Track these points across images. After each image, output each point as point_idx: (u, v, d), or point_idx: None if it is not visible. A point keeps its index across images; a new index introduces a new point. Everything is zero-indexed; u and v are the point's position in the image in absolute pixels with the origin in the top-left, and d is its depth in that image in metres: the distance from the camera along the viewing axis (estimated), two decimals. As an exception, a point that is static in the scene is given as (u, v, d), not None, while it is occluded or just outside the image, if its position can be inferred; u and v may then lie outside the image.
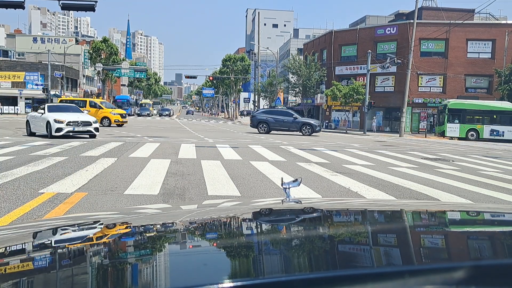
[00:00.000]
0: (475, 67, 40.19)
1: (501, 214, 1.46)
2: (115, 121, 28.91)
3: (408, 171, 10.18)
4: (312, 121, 28.84)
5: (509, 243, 1.09)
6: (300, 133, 27.43)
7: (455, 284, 0.73)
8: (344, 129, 39.52)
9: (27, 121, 17.96)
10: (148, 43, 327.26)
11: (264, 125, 27.85)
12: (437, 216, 1.47)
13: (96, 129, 16.68)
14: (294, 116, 28.10)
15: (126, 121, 30.14)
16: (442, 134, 33.32)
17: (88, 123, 16.42)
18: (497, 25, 41.41)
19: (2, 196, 5.72)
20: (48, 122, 15.92)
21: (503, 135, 31.80)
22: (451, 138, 32.41)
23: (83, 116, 16.92)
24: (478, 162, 13.55)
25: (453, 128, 32.58)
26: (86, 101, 30.73)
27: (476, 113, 32.74)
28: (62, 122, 15.87)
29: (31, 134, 17.21)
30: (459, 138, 32.06)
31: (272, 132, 27.81)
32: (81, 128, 16.22)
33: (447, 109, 32.69)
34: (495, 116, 32.40)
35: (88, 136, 16.54)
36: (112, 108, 31.26)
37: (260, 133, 27.29)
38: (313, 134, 27.65)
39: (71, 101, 29.59)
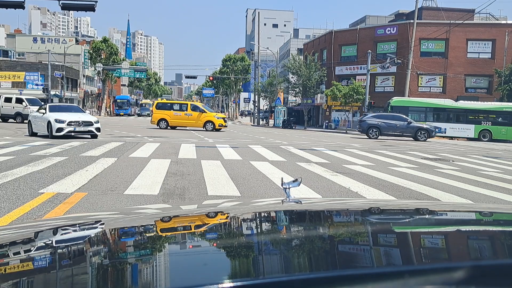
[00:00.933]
0: (475, 67, 40.19)
1: (501, 214, 1.46)
2: (219, 125, 27.42)
3: (408, 171, 10.18)
4: (427, 126, 27.40)
5: (509, 243, 1.09)
6: (413, 139, 26.20)
7: (455, 284, 0.73)
8: (344, 129, 39.52)
9: (29, 121, 17.85)
10: (148, 43, 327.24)
11: (375, 130, 26.68)
12: (437, 216, 1.47)
13: (98, 129, 16.48)
14: (408, 120, 26.77)
15: (227, 126, 28.67)
16: None
17: (89, 123, 16.23)
18: (497, 25, 41.41)
19: (2, 196, 5.72)
20: (49, 122, 15.78)
21: (445, 132, 32.27)
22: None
23: (84, 116, 16.75)
24: (478, 162, 13.55)
25: None
26: (187, 104, 29.28)
27: (418, 110, 33.25)
28: (63, 122, 15.72)
29: (33, 134, 17.11)
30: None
31: (380, 137, 26.78)
32: (82, 128, 16.05)
33: (389, 107, 33.11)
34: (437, 114, 32.98)
35: (89, 136, 16.41)
36: (214, 111, 29.83)
37: (370, 138, 26.31)
38: (428, 139, 26.33)
39: (168, 103, 29.21)
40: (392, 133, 26.94)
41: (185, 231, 1.26)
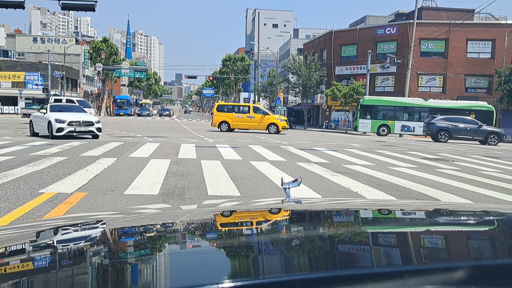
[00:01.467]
0: (475, 67, 40.21)
1: (501, 214, 1.46)
2: (282, 128, 27.15)
3: (408, 171, 10.18)
4: (498, 130, 26.99)
5: (509, 243, 1.09)
6: (482, 143, 25.79)
7: (455, 284, 0.73)
8: (344, 129, 39.53)
9: (30, 121, 17.63)
10: (148, 43, 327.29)
11: (445, 133, 26.10)
12: (437, 216, 1.47)
13: (99, 129, 16.21)
14: (479, 124, 26.23)
15: (288, 127, 28.66)
16: (355, 129, 34.76)
17: (90, 123, 15.97)
18: (497, 25, 41.42)
19: (2, 196, 5.72)
20: (49, 122, 15.57)
21: (413, 131, 32.65)
22: (364, 133, 33.70)
23: (85, 116, 16.49)
24: (478, 162, 13.55)
25: (365, 124, 33.65)
26: (249, 106, 28.87)
27: (388, 109, 33.71)
28: (63, 122, 15.51)
29: (34, 134, 16.89)
30: (379, 134, 33.00)
31: (450, 140, 26.09)
32: (82, 128, 15.80)
33: (359, 106, 33.80)
34: (406, 112, 33.39)
35: (91, 136, 16.21)
36: (276, 114, 29.01)
37: (439, 141, 25.71)
38: (499, 144, 25.87)
39: (229, 105, 28.53)
40: (462, 137, 26.31)
41: (185, 231, 1.26)
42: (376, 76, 41.82)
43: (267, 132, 27.16)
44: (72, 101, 28.59)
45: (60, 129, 15.43)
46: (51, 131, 15.49)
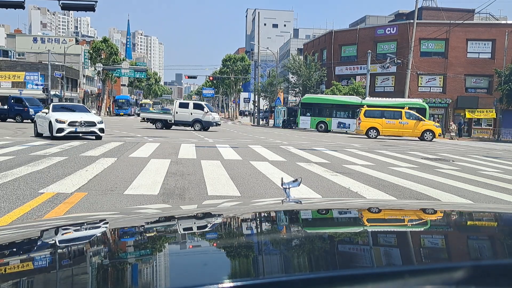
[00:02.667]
0: (475, 67, 40.22)
1: (501, 214, 1.46)
2: (439, 135, 25.85)
3: (408, 171, 10.18)
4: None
5: (509, 243, 1.09)
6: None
7: (455, 284, 0.73)
8: (344, 129, 39.55)
9: (34, 121, 17.27)
10: (148, 43, 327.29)
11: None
12: (437, 216, 1.47)
13: (101, 130, 15.63)
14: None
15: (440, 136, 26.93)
16: (296, 125, 36.65)
17: (92, 124, 15.42)
18: (497, 25, 41.43)
19: (2, 196, 5.72)
20: (50, 123, 15.15)
21: (349, 127, 33.41)
22: (305, 129, 35.16)
23: (86, 116, 15.89)
24: (478, 162, 13.55)
25: (305, 121, 35.13)
26: (401, 111, 26.97)
27: (325, 106, 34.55)
28: (63, 122, 15.03)
29: (38, 135, 16.50)
30: (321, 131, 34.03)
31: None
32: (84, 129, 15.28)
33: (300, 103, 35.03)
34: (343, 110, 34.20)
35: (94, 137, 15.69)
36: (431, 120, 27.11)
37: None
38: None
39: (378, 110, 26.99)
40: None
41: (185, 231, 1.26)
42: (376, 76, 41.83)
43: (420, 139, 25.57)
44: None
45: (60, 130, 15.01)
46: (52, 131, 15.10)
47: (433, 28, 38.75)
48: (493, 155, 17.07)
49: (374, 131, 26.78)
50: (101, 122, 15.75)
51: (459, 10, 43.45)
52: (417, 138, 26.71)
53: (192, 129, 27.22)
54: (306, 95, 37.04)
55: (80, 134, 15.45)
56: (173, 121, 27.68)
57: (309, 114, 34.85)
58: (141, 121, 29.26)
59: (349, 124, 33.57)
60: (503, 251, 1.05)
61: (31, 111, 29.06)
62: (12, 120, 30.53)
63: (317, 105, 34.81)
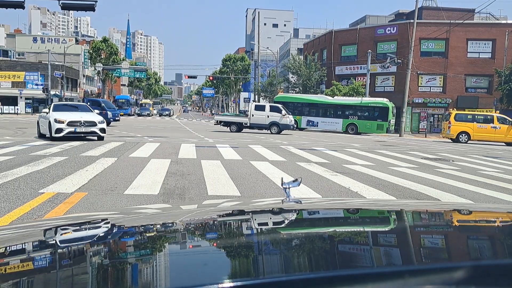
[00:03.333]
0: (475, 67, 40.22)
1: (501, 214, 1.46)
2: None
3: (408, 171, 10.18)
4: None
5: (509, 243, 1.09)
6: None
7: (455, 284, 0.73)
8: (313, 127, 39.70)
9: (37, 122, 16.69)
10: (148, 43, 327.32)
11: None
12: (437, 216, 1.47)
13: (102, 130, 15.07)
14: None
15: None
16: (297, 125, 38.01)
17: (92, 123, 14.81)
18: (497, 25, 41.43)
19: (2, 196, 5.72)
20: (49, 123, 14.59)
21: (317, 125, 34.62)
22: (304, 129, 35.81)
23: (87, 115, 15.23)
24: (478, 162, 13.55)
25: None
26: (493, 116, 26.58)
27: (296, 105, 35.42)
28: (62, 122, 14.42)
29: (41, 136, 15.87)
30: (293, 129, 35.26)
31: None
32: (83, 129, 14.67)
33: (273, 102, 35.73)
34: (312, 108, 35.13)
35: (96, 138, 15.20)
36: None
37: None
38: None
39: (470, 114, 26.54)
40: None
41: (185, 231, 1.26)
42: (376, 76, 41.82)
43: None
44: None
45: (59, 130, 14.40)
46: (50, 132, 14.55)
47: (433, 28, 38.74)
48: (493, 155, 17.07)
49: (465, 135, 26.10)
50: (102, 122, 15.19)
51: (459, 10, 43.46)
52: (503, 144, 26.10)
53: (269, 132, 26.66)
54: (279, 94, 38.41)
55: (82, 135, 14.90)
56: (248, 124, 27.13)
57: None
58: (215, 124, 28.87)
59: (317, 123, 34.76)
60: (503, 251, 1.05)
61: (109, 114, 28.17)
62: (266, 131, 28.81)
63: (288, 104, 35.65)
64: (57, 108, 15.84)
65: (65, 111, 15.63)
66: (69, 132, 14.51)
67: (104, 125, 15.23)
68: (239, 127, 27.34)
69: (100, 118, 15.57)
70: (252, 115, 27.13)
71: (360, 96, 36.61)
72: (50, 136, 14.58)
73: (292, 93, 50.01)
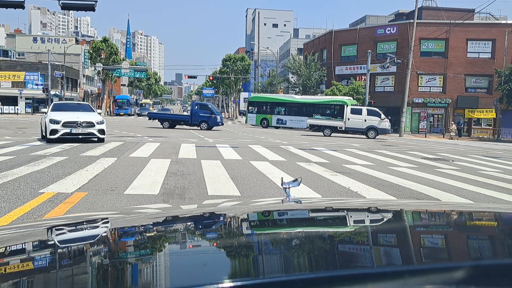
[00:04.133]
0: (475, 67, 40.20)
1: (501, 214, 1.46)
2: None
3: (408, 171, 10.18)
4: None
5: (509, 243, 1.09)
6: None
7: (455, 284, 0.73)
8: (282, 125, 39.77)
9: (40, 123, 15.81)
10: (148, 43, 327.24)
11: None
12: (437, 216, 1.47)
13: (101, 131, 14.10)
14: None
15: None
16: (246, 122, 40.80)
17: (90, 124, 13.85)
18: (497, 25, 41.41)
19: (2, 196, 5.72)
20: (45, 123, 13.83)
21: (285, 123, 36.34)
22: (252, 125, 38.18)
23: (85, 115, 14.18)
24: (478, 162, 13.55)
25: (251, 118, 38.86)
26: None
27: (267, 104, 37.83)
28: (57, 123, 13.45)
29: (43, 137, 14.74)
30: (263, 127, 37.15)
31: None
32: (80, 130, 13.66)
33: (248, 102, 38.34)
34: (281, 107, 37.10)
35: (96, 139, 14.34)
36: None
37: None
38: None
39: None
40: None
41: (185, 231, 1.26)
42: (376, 76, 41.81)
43: None
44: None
45: (53, 131, 13.42)
46: (46, 133, 13.68)
47: (433, 28, 38.74)
48: (493, 155, 17.07)
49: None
50: (101, 123, 14.19)
51: (459, 10, 43.43)
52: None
53: (365, 137, 26.27)
54: (253, 94, 41.17)
55: (79, 136, 13.86)
56: (343, 128, 26.66)
57: (254, 112, 38.29)
58: (309, 129, 28.93)
59: (286, 121, 36.42)
60: (503, 251, 1.05)
61: (218, 118, 28.23)
62: (196, 128, 28.38)
63: (260, 103, 38.12)
64: (56, 108, 14.99)
65: (64, 110, 14.68)
66: (65, 134, 13.53)
67: (103, 126, 14.22)
68: (333, 131, 26.87)
69: (100, 118, 14.49)
70: (348, 119, 26.65)
71: (359, 96, 36.61)
72: (46, 137, 13.73)
73: (292, 93, 50.09)
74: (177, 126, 28.17)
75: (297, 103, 36.13)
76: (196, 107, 29.08)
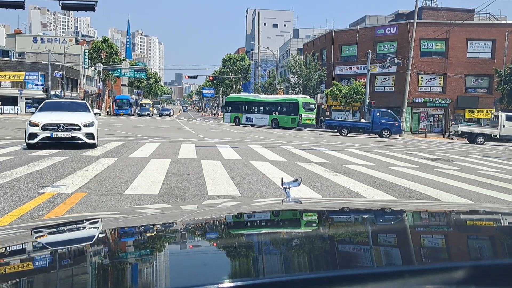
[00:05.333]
0: (475, 67, 40.19)
1: (501, 214, 1.46)
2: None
3: (408, 171, 10.18)
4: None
5: (509, 243, 1.09)
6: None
7: (455, 284, 0.73)
8: (250, 123, 39.87)
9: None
10: (148, 43, 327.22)
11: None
12: (437, 216, 1.47)
13: (89, 136, 11.77)
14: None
15: None
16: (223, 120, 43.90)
17: (74, 127, 11.52)
18: (497, 25, 41.40)
19: (2, 196, 5.72)
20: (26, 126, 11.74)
21: (252, 121, 39.09)
22: (227, 124, 40.94)
23: (70, 116, 11.88)
24: (478, 162, 13.55)
25: (227, 116, 42.22)
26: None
27: (239, 104, 41.00)
28: (36, 126, 11.38)
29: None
30: (236, 124, 39.94)
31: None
32: (62, 134, 11.42)
33: (225, 102, 42.13)
34: (249, 106, 39.97)
35: (84, 145, 11.90)
36: None
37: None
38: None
39: None
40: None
41: (185, 231, 1.26)
42: (376, 76, 41.79)
43: None
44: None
45: (32, 135, 11.35)
46: (25, 137, 11.57)
47: (433, 28, 38.72)
48: (493, 155, 17.06)
49: None
50: (89, 125, 11.83)
51: (459, 10, 43.40)
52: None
53: None
54: (230, 94, 45.55)
55: (57, 141, 11.56)
56: (498, 136, 25.13)
57: (229, 111, 41.61)
58: (452, 137, 27.46)
59: (252, 119, 39.20)
60: (503, 251, 1.05)
61: (401, 125, 27.56)
62: (377, 136, 27.68)
63: (234, 103, 41.46)
64: (45, 107, 12.86)
65: (54, 110, 12.48)
66: (45, 138, 11.37)
67: (92, 129, 11.85)
68: (487, 139, 25.22)
69: (89, 119, 12.04)
70: (503, 126, 25.06)
71: (359, 96, 36.60)
72: (26, 142, 11.54)
73: (292, 93, 50.15)
74: (351, 133, 26.75)
75: (261, 102, 39.03)
76: (378, 114, 28.66)
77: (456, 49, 40.25)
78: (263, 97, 40.52)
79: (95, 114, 13.43)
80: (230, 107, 41.76)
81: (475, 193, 7.51)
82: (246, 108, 39.88)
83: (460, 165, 12.21)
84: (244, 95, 43.93)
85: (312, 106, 36.62)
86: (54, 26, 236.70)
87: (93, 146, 12.08)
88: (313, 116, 36.50)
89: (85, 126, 11.77)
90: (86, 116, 12.30)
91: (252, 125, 38.34)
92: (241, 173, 8.62)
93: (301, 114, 35.42)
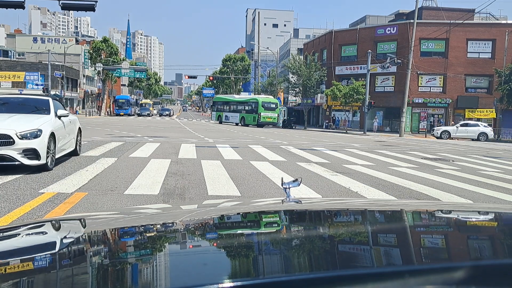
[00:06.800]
0: (475, 67, 40.18)
1: (501, 214, 1.46)
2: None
3: (408, 171, 10.18)
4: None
5: (509, 243, 1.09)
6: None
7: (455, 284, 0.73)
8: (344, 129, 39.54)
9: None
10: (148, 43, 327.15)
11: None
12: (437, 216, 1.47)
13: (29, 153, 7.36)
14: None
15: None
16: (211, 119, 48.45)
17: (5, 139, 7.20)
18: (497, 25, 41.39)
19: (2, 196, 5.72)
20: None
21: (229, 119, 43.22)
22: (214, 122, 44.54)
23: (2, 122, 7.49)
24: (478, 162, 13.55)
25: (213, 115, 47.02)
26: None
27: (221, 103, 45.66)
28: None
29: None
30: (219, 122, 44.12)
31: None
32: None
33: (212, 102, 47.36)
34: (227, 105, 44.32)
35: (27, 167, 7.55)
36: None
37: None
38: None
39: None
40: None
41: (185, 231, 1.26)
42: (376, 76, 41.79)
43: None
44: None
45: None
46: None
47: (433, 28, 38.71)
48: (493, 155, 17.06)
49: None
50: (31, 136, 7.44)
51: (459, 10, 43.38)
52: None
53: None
54: (217, 95, 52.46)
55: None
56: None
57: (215, 110, 46.36)
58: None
59: (229, 117, 43.19)
60: (503, 251, 1.05)
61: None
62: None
63: (218, 102, 46.19)
64: None
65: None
66: None
67: (34, 144, 7.39)
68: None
69: (32, 126, 7.57)
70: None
71: (359, 96, 36.58)
72: None
73: (292, 93, 50.20)
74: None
75: (234, 102, 43.31)
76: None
77: (456, 49, 40.24)
78: (237, 97, 45.41)
79: (66, 115, 9.18)
80: (215, 107, 46.42)
81: (475, 193, 7.51)
82: (226, 107, 44.18)
83: (460, 165, 12.20)
84: (224, 95, 48.22)
85: (273, 105, 39.74)
86: (54, 26, 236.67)
87: (42, 168, 7.72)
88: (274, 115, 39.66)
89: (23, 137, 7.37)
90: (33, 122, 7.82)
91: (227, 123, 41.88)
92: (241, 173, 8.62)
93: (260, 113, 38.70)
